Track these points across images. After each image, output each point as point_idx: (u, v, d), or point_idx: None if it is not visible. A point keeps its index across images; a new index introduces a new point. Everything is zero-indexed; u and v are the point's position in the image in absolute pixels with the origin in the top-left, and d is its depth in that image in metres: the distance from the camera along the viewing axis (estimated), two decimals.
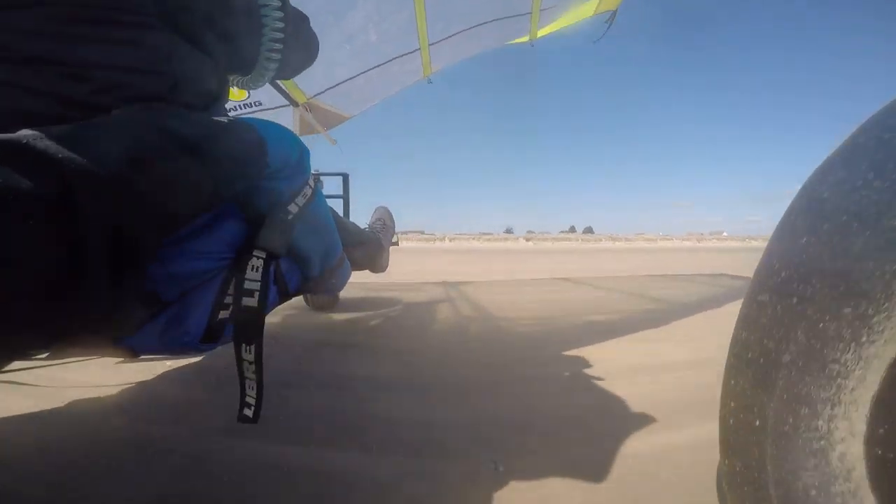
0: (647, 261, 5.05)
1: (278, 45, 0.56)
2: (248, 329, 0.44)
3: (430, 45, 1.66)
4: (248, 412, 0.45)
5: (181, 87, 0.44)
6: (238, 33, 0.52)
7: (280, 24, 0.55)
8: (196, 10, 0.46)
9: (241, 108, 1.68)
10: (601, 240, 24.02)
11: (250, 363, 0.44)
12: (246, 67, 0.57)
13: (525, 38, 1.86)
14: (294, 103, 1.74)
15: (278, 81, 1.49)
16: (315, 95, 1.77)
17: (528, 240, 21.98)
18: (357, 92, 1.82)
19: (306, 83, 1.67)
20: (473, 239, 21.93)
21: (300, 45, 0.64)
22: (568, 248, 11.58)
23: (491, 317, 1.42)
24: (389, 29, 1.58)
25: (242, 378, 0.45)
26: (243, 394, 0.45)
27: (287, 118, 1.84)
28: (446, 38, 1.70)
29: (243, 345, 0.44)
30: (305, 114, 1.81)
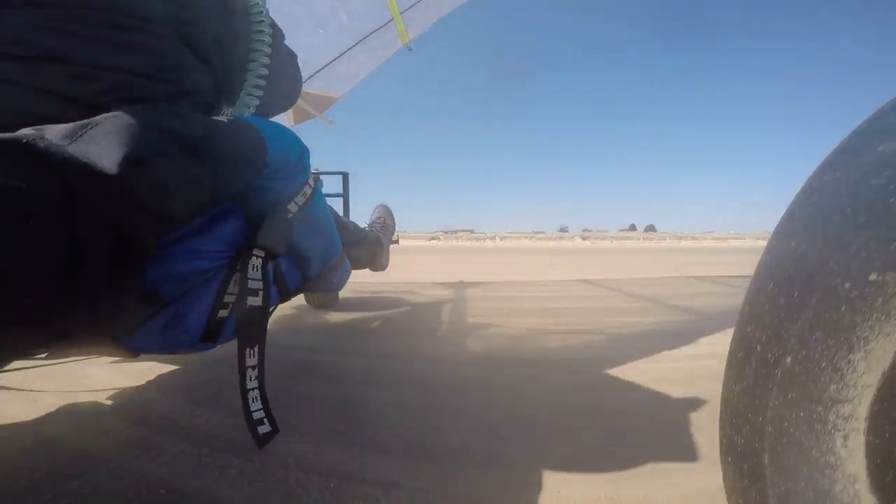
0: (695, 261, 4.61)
1: (262, 82, 0.55)
2: (252, 329, 0.44)
3: (401, 12, 1.70)
4: (265, 428, 0.44)
5: (186, 96, 0.44)
6: (233, 55, 0.52)
7: (266, 60, 0.55)
8: (206, 29, 0.46)
9: None
10: (665, 238, 23.00)
11: (253, 368, 0.44)
12: (229, 98, 0.56)
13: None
14: None
15: None
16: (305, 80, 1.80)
17: (584, 238, 21.13)
18: (342, 71, 1.87)
19: None
20: (525, 238, 21.26)
21: (282, 89, 0.64)
22: (628, 248, 10.82)
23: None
24: (358, 6, 1.62)
25: (245, 391, 0.43)
26: (248, 411, 0.43)
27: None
28: (416, 3, 1.73)
29: (247, 349, 0.44)
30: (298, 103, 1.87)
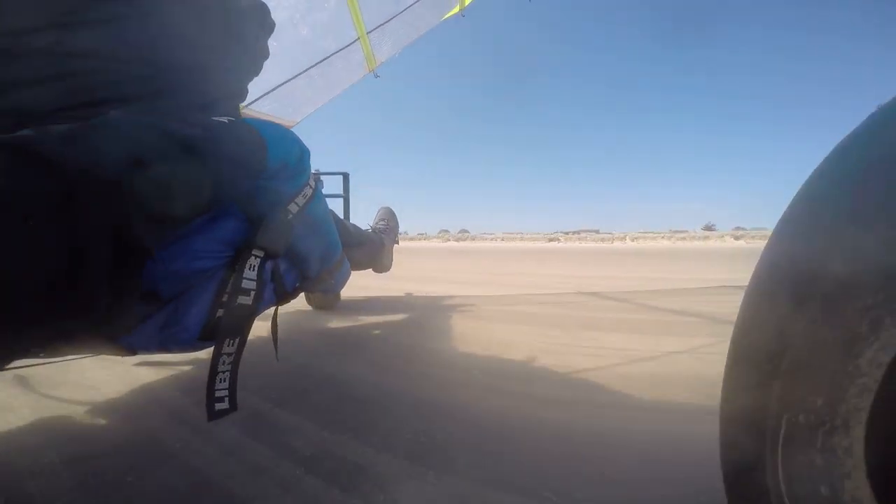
0: None
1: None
2: (237, 325, 0.45)
3: (367, 32, 1.56)
4: (222, 405, 0.44)
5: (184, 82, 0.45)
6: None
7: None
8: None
9: None
10: None
11: (228, 356, 0.44)
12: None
13: (455, 10, 1.74)
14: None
15: None
16: (248, 104, 1.62)
17: (737, 237, 17.45)
18: (299, 95, 1.72)
19: None
20: (662, 237, 19.00)
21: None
22: None
23: None
24: (320, 19, 1.47)
25: (214, 372, 0.43)
26: (211, 388, 0.43)
27: None
28: (383, 24, 1.60)
29: (227, 339, 0.44)
30: None
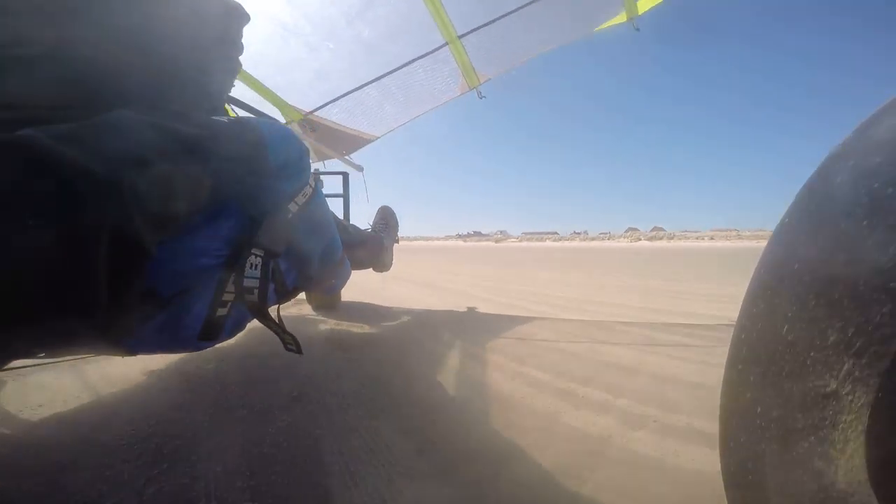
0: None
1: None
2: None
3: (459, 36, 1.12)
4: (293, 348, 0.52)
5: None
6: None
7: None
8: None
9: None
10: None
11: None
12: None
13: (622, 17, 1.19)
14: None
15: (239, 102, 1.27)
16: (314, 111, 1.45)
17: None
18: (375, 107, 1.44)
19: (298, 98, 1.36)
20: (739, 236, 17.63)
21: None
22: None
23: None
24: (386, 17, 1.17)
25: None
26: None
27: None
28: (485, 25, 1.12)
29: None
30: (306, 133, 1.51)
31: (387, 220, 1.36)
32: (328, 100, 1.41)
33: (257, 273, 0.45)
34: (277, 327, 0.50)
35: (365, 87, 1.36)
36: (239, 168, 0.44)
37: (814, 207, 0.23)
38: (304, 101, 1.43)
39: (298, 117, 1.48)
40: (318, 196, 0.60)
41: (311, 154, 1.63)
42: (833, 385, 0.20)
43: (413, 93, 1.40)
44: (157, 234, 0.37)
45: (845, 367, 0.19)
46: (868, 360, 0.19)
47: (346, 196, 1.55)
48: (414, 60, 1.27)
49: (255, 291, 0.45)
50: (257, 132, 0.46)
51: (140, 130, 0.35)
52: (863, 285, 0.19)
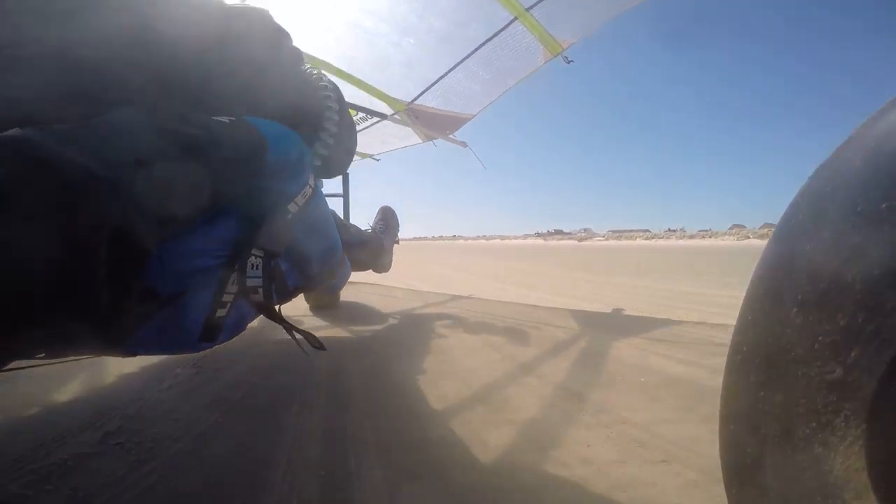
0: None
1: (331, 141, 0.64)
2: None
3: (527, 9, 1.11)
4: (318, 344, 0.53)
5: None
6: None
7: (335, 129, 0.64)
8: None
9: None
10: None
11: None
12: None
13: None
14: (381, 116, 1.63)
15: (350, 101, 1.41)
16: (413, 101, 1.60)
17: None
18: (465, 89, 1.52)
19: (398, 90, 1.55)
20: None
21: (343, 150, 0.72)
22: None
23: None
24: (452, 5, 1.23)
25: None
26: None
27: (394, 132, 1.74)
28: None
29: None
30: (408, 119, 1.66)
31: (387, 220, 1.37)
32: (422, 89, 1.54)
33: (258, 273, 0.45)
34: (288, 325, 0.50)
35: (450, 73, 1.44)
36: (239, 168, 0.44)
37: (816, 204, 0.23)
38: (403, 93, 1.60)
39: (402, 107, 1.62)
40: (318, 196, 0.60)
41: (419, 136, 1.73)
42: (835, 387, 0.20)
43: (496, 70, 1.43)
44: (157, 234, 0.37)
45: (845, 367, 0.19)
46: (868, 360, 0.19)
47: (346, 196, 1.55)
48: (488, 41, 1.29)
49: (260, 291, 0.45)
50: (257, 132, 0.46)
51: (140, 130, 0.35)
52: (864, 285, 0.19)
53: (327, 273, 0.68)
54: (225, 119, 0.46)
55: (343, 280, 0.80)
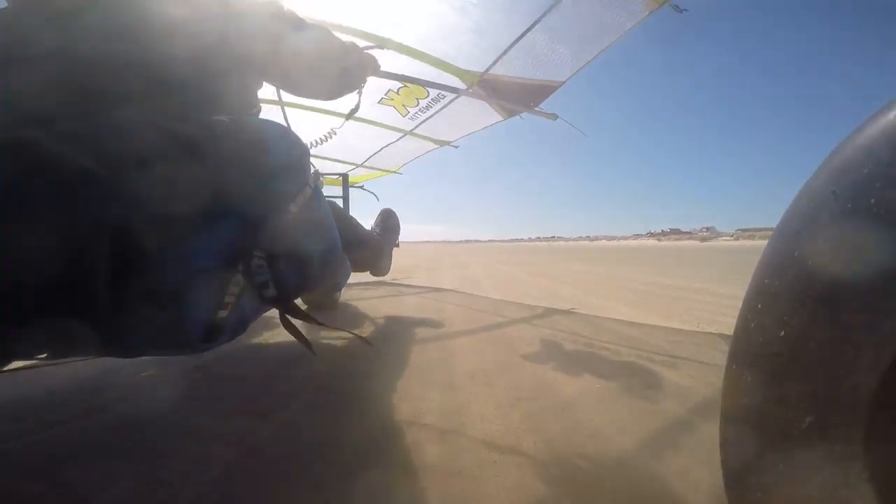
0: None
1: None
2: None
3: None
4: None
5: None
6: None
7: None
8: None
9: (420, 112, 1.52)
10: None
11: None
12: None
13: None
14: (455, 90, 1.35)
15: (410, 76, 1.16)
16: (487, 70, 1.36)
17: None
18: (548, 52, 1.28)
19: (469, 61, 1.31)
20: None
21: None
22: None
23: None
24: None
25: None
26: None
27: (470, 110, 1.52)
28: None
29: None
30: (484, 93, 1.42)
31: (386, 223, 1.37)
32: (496, 56, 1.30)
33: (260, 273, 0.45)
34: (302, 317, 0.52)
35: (527, 35, 1.21)
36: (239, 168, 0.44)
37: (817, 204, 0.23)
38: (476, 63, 1.36)
39: (476, 79, 1.40)
40: (318, 196, 0.60)
41: (499, 113, 1.48)
42: (834, 386, 0.20)
43: (585, 27, 1.17)
44: (157, 234, 0.37)
45: (845, 367, 0.19)
46: (868, 360, 0.19)
47: (345, 196, 1.55)
48: None
49: (263, 291, 0.45)
50: (257, 133, 0.46)
51: (140, 130, 0.35)
52: (864, 285, 0.19)
53: (327, 273, 0.68)
54: (225, 119, 0.46)
55: (343, 280, 0.80)
